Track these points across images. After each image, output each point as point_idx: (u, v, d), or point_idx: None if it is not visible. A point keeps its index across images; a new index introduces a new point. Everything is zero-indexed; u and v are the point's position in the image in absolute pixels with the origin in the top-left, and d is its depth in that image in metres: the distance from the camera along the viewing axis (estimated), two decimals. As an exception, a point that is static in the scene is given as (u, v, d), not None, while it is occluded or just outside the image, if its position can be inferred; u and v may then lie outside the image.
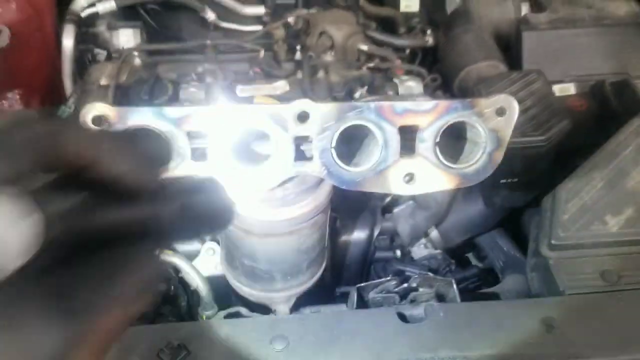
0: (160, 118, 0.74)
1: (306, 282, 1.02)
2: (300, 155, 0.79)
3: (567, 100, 1.47)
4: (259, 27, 2.13)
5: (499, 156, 0.80)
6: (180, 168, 0.75)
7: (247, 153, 0.81)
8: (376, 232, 1.35)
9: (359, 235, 1.31)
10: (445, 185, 0.80)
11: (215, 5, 2.04)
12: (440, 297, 1.04)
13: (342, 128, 0.77)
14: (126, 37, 1.93)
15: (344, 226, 1.33)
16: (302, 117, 0.76)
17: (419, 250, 1.46)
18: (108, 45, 1.92)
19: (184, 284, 1.19)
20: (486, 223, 1.46)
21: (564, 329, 0.95)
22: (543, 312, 0.97)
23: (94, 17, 1.86)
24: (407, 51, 1.73)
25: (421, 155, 0.79)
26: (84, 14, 1.80)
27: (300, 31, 1.68)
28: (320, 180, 0.92)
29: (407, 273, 1.34)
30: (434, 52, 1.73)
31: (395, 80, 1.50)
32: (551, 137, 1.21)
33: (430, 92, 1.55)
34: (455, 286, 1.03)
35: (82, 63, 1.89)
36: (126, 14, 1.94)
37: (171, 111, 0.74)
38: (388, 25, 1.95)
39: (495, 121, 0.79)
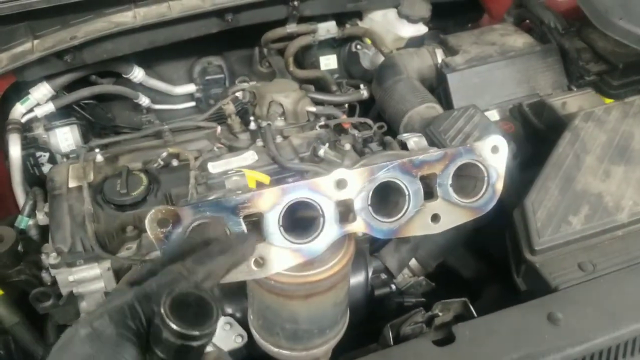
0: (220, 210, 0.81)
1: (340, 330, 1.10)
2: (342, 217, 0.88)
3: (498, 125, 1.69)
4: (191, 104, 2.22)
5: (500, 186, 0.95)
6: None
7: (295, 222, 0.89)
8: (370, 273, 1.45)
9: (357, 279, 1.40)
10: (464, 219, 0.94)
11: (147, 90, 2.09)
12: (459, 317, 1.17)
13: (374, 186, 0.88)
14: (64, 136, 1.93)
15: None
16: (341, 184, 0.86)
17: (403, 280, 1.58)
18: (48, 146, 1.90)
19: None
20: (456, 244, 1.62)
21: (567, 319, 1.11)
22: (545, 309, 1.13)
23: (31, 121, 1.84)
24: (346, 106, 1.90)
25: (441, 197, 0.92)
26: (24, 120, 1.78)
27: (249, 103, 1.79)
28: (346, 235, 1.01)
29: (406, 303, 1.46)
30: (368, 103, 1.91)
31: (353, 132, 1.65)
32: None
33: (380, 137, 1.71)
34: (470, 304, 1.16)
35: (26, 169, 1.85)
36: (59, 112, 1.93)
37: (228, 202, 0.81)
38: (319, 85, 2.12)
39: (492, 158, 0.94)
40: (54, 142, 1.91)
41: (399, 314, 1.29)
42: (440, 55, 1.88)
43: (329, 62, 2.27)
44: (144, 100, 2.08)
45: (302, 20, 2.00)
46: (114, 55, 1.79)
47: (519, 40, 1.87)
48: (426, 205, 0.92)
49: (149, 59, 2.08)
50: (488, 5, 2.24)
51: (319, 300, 1.01)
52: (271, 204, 0.83)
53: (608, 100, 1.77)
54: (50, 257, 1.33)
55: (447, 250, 1.63)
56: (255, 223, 0.84)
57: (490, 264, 1.63)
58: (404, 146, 1.12)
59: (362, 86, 1.92)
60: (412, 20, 1.92)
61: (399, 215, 0.90)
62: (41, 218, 1.51)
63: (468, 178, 0.98)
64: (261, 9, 1.81)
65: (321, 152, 1.57)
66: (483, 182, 0.95)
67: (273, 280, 0.94)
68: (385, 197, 0.93)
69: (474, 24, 2.46)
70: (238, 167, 1.53)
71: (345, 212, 0.89)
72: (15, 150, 1.70)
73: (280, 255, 0.84)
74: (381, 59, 1.98)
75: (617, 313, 1.12)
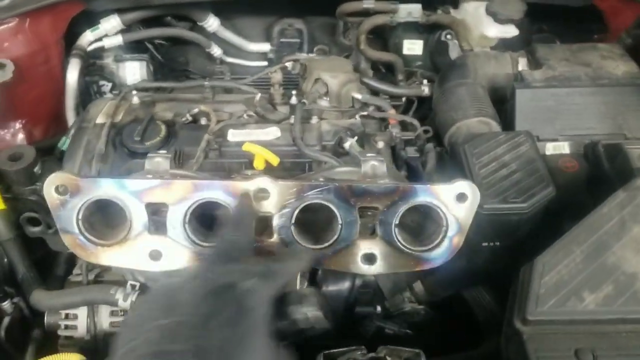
0: (122, 190, 0.75)
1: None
2: (259, 229, 0.79)
3: (559, 160, 1.45)
4: (264, 63, 2.18)
5: (460, 241, 0.80)
6: (138, 239, 0.76)
7: (210, 221, 0.81)
8: (357, 284, 1.34)
9: (339, 287, 1.30)
10: (404, 267, 0.80)
11: (221, 41, 2.08)
12: (409, 368, 1.03)
13: (301, 207, 0.77)
14: (132, 70, 1.98)
15: (324, 277, 1.32)
16: (261, 195, 0.76)
17: (397, 304, 1.44)
18: (114, 77, 1.97)
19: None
20: (473, 279, 1.44)
21: None
22: None
23: (101, 49, 1.90)
24: (404, 99, 1.74)
25: (381, 237, 0.79)
26: (90, 48, 1.84)
27: (297, 76, 1.70)
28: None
29: (387, 331, 1.33)
30: (430, 101, 1.73)
31: (393, 130, 1.51)
32: (534, 205, 1.19)
33: (422, 143, 1.55)
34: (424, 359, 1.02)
35: (88, 94, 1.94)
36: (133, 47, 1.98)
37: (131, 184, 0.75)
38: (390, 69, 1.97)
39: (457, 207, 0.78)
40: (121, 74, 1.97)
41: (375, 340, 1.18)
42: (522, 65, 1.64)
43: (413, 47, 2.09)
44: (216, 51, 2.08)
45: (387, -4, 1.84)
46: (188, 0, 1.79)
47: (622, 67, 1.57)
48: (362, 241, 0.79)
49: (227, 10, 2.06)
50: (608, 17, 1.91)
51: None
52: (179, 197, 0.76)
53: None
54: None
55: (461, 283, 1.46)
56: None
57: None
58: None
59: (425, 82, 1.74)
60: (499, 19, 1.68)
61: (324, 245, 0.79)
62: (71, 144, 1.57)
63: (431, 221, 0.83)
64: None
65: (347, 145, 1.45)
66: (440, 230, 0.80)
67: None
68: (321, 222, 0.82)
69: (601, 36, 2.13)
70: (258, 140, 1.47)
71: (266, 225, 0.79)
72: (72, 75, 1.77)
73: (178, 253, 0.78)
74: (468, 54, 1.78)
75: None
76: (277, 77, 1.67)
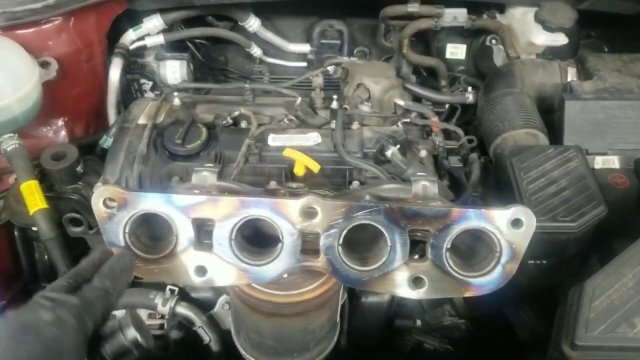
0: (169, 205, 0.74)
1: (314, 358, 1.00)
2: (308, 247, 0.77)
3: (609, 176, 1.39)
4: (303, 64, 2.16)
5: (513, 268, 0.77)
6: (184, 254, 0.75)
7: (256, 239, 0.80)
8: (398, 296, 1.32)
9: (379, 299, 1.28)
10: (453, 293, 0.77)
11: (261, 41, 2.07)
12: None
13: (349, 227, 0.75)
14: (172, 69, 1.98)
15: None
16: (309, 214, 0.75)
17: (438, 317, 1.41)
18: (154, 76, 1.98)
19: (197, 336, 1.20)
20: (516, 296, 1.40)
21: None
22: None
23: (143, 48, 1.91)
24: (447, 106, 1.70)
25: (431, 260, 0.76)
26: (132, 47, 1.85)
27: (339, 80, 1.67)
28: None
29: (426, 345, 1.31)
30: (474, 108, 1.69)
31: (437, 139, 1.48)
32: (584, 224, 1.15)
33: (466, 153, 1.51)
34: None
35: (129, 92, 1.96)
36: (174, 46, 1.99)
37: (178, 199, 0.74)
38: (432, 73, 1.93)
39: (512, 233, 0.75)
40: (162, 72, 1.98)
41: (415, 354, 1.16)
42: (572, 75, 1.58)
43: (456, 51, 2.05)
44: (256, 51, 2.07)
45: (430, 1, 1.81)
46: (230, 0, 1.78)
47: (678, 79, 1.50)
48: (410, 265, 0.77)
49: (268, 10, 2.05)
50: (662, 26, 1.83)
51: (283, 322, 0.93)
52: (226, 214, 0.75)
53: None
54: (95, 186, 1.38)
55: (507, 300, 1.42)
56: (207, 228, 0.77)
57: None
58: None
59: (469, 89, 1.69)
60: (548, 27, 1.63)
61: (373, 267, 0.77)
62: (113, 144, 1.58)
63: (483, 245, 0.80)
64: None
65: (388, 153, 1.42)
66: (493, 256, 0.77)
67: (237, 286, 0.88)
68: (365, 237, 0.80)
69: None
70: (298, 145, 1.45)
71: (312, 244, 0.78)
72: (114, 73, 1.78)
73: (224, 270, 0.77)
74: (513, 61, 1.73)
75: None
76: (319, 80, 1.65)
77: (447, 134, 1.57)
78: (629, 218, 1.30)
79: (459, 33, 1.98)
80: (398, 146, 1.44)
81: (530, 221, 0.75)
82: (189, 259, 0.75)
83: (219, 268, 0.76)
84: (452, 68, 1.98)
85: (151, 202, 0.74)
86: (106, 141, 1.63)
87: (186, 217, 0.74)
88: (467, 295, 0.77)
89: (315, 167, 1.34)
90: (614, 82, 1.50)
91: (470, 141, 1.51)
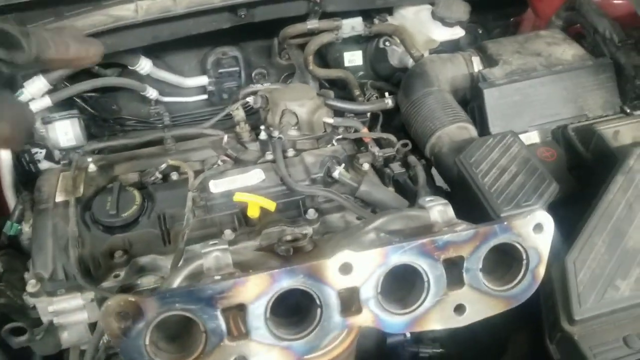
0: (192, 301, 0.66)
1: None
2: (344, 306, 0.73)
3: (537, 152, 1.49)
4: (203, 97, 2.06)
5: (541, 271, 0.78)
6: (218, 350, 0.67)
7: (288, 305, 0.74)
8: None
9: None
10: (494, 310, 0.77)
11: (155, 82, 1.94)
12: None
13: (386, 272, 0.72)
14: (63, 130, 1.79)
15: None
16: (346, 269, 0.70)
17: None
18: (46, 141, 1.77)
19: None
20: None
21: None
22: None
23: (27, 115, 1.69)
24: (369, 115, 1.71)
25: (468, 285, 0.75)
26: (16, 116, 1.63)
27: (260, 109, 1.62)
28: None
29: (421, 354, 1.31)
30: (393, 113, 1.72)
31: (373, 150, 1.48)
32: (544, 204, 1.21)
33: (403, 157, 1.54)
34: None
35: (21, 166, 1.73)
36: (60, 105, 1.79)
37: (202, 292, 0.66)
38: (340, 86, 1.94)
39: (534, 238, 0.76)
40: (52, 136, 1.77)
41: None
42: (477, 64, 1.67)
43: (353, 58, 2.08)
44: (152, 93, 1.93)
45: (325, 15, 1.81)
46: (114, 50, 1.63)
47: (569, 51, 1.65)
48: (449, 294, 0.75)
49: (158, 49, 1.92)
50: (534, 4, 2.00)
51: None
52: (257, 293, 0.68)
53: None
54: (29, 285, 1.21)
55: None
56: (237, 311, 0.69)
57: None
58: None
59: (386, 94, 1.72)
60: (447, 23, 1.71)
61: (415, 306, 0.74)
62: (27, 230, 1.39)
63: (501, 253, 0.81)
64: (279, 4, 1.63)
65: (336, 174, 1.40)
66: (521, 265, 0.78)
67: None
68: (399, 277, 0.77)
69: (517, 19, 2.23)
70: (243, 186, 1.38)
71: (349, 299, 0.73)
72: (5, 152, 1.56)
73: (267, 354, 0.69)
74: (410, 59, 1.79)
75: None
76: (241, 114, 1.58)
77: (379, 143, 1.58)
78: (566, 187, 1.40)
79: (354, 41, 2.00)
80: (343, 165, 1.43)
81: (549, 224, 0.77)
82: (224, 353, 0.67)
83: (260, 353, 0.69)
84: (353, 75, 2.00)
85: (170, 304, 0.65)
86: (12, 227, 1.43)
87: (214, 309, 0.66)
88: (506, 309, 0.78)
89: (272, 206, 1.29)
90: (518, 64, 1.60)
91: (404, 145, 1.54)
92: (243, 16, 1.63)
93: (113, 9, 1.45)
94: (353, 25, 1.85)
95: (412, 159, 1.51)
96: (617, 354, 1.04)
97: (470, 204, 1.28)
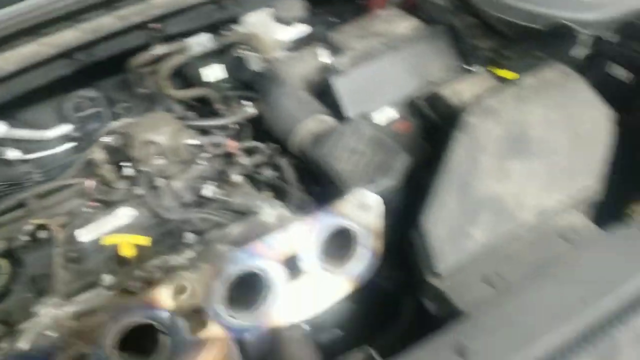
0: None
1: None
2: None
3: (394, 126, 1.57)
4: (71, 144, 1.99)
5: (379, 245, 0.83)
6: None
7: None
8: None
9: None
10: (343, 291, 0.82)
11: (15, 142, 1.86)
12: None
13: (226, 286, 0.74)
14: None
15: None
16: (180, 292, 0.72)
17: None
18: None
19: None
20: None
21: (477, 349, 1.00)
22: (454, 341, 1.01)
23: None
24: (237, 126, 1.73)
25: (308, 273, 0.80)
26: None
27: (122, 146, 1.59)
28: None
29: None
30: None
31: (243, 161, 1.50)
32: (395, 175, 1.28)
33: (272, 161, 1.57)
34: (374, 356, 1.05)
35: None
36: None
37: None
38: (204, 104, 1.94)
39: (363, 215, 0.82)
40: None
41: None
42: (325, 55, 1.73)
43: (213, 72, 2.08)
44: (11, 154, 1.85)
45: (172, 38, 1.80)
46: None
47: (404, 25, 1.75)
48: (293, 288, 0.79)
49: (9, 108, 1.84)
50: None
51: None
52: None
53: (504, 73, 1.68)
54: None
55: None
56: None
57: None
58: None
59: (246, 102, 1.75)
60: (287, 22, 1.76)
61: (259, 308, 0.77)
62: None
63: (347, 238, 0.86)
64: (116, 39, 1.61)
65: (208, 192, 1.41)
66: (358, 244, 0.83)
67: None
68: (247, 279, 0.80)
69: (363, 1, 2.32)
70: (115, 227, 1.36)
71: (195, 316, 0.75)
72: None
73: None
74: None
75: (529, 329, 1.04)
76: (100, 156, 1.55)
77: (249, 152, 1.60)
78: (425, 155, 1.48)
79: (212, 55, 2.01)
80: (216, 183, 1.44)
81: (374, 200, 0.82)
82: None
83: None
84: (222, 89, 2.00)
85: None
86: None
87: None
88: (354, 287, 0.82)
89: (146, 240, 1.28)
90: (362, 48, 1.67)
91: (272, 149, 1.57)
92: (82, 58, 1.60)
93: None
94: (202, 42, 1.86)
95: (279, 161, 1.54)
96: (481, 294, 1.11)
97: (337, 194, 1.33)
